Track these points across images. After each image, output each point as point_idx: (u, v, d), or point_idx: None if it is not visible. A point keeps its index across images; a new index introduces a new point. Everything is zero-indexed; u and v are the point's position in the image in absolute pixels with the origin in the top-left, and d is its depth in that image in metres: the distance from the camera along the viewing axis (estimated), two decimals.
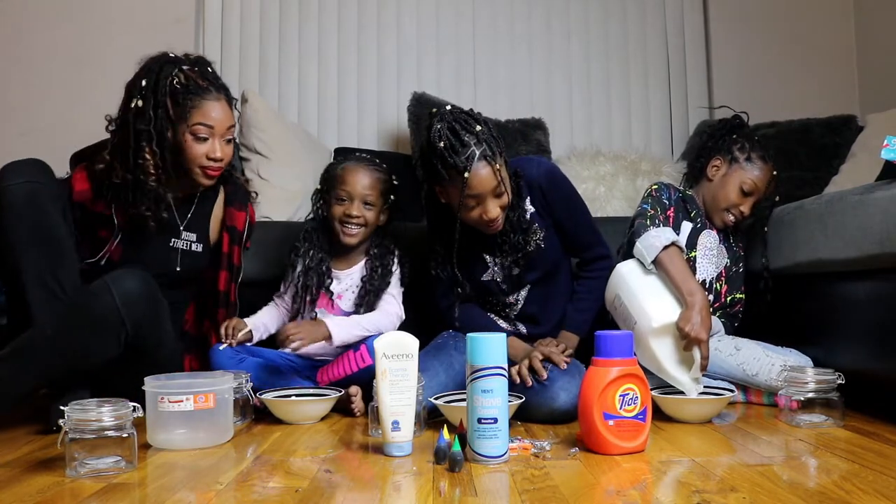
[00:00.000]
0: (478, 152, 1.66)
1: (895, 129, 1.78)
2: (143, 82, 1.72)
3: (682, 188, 2.08)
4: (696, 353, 1.65)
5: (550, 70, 3.19)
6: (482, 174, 1.66)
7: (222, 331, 1.87)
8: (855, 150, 2.51)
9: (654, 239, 1.78)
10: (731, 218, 1.98)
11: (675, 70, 3.24)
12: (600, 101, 3.21)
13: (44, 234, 1.62)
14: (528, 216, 1.85)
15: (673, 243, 1.77)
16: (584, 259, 1.95)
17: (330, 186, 1.97)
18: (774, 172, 1.98)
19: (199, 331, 1.98)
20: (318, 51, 3.09)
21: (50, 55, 2.83)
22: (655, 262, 1.77)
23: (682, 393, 1.69)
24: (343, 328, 1.86)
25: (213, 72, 1.80)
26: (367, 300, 1.94)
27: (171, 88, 1.72)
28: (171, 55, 1.76)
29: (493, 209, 1.71)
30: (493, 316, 1.95)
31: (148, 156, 1.72)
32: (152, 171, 1.73)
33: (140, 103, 1.71)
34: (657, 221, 1.87)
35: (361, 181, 1.93)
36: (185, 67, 1.75)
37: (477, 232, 1.81)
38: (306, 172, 2.59)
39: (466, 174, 1.65)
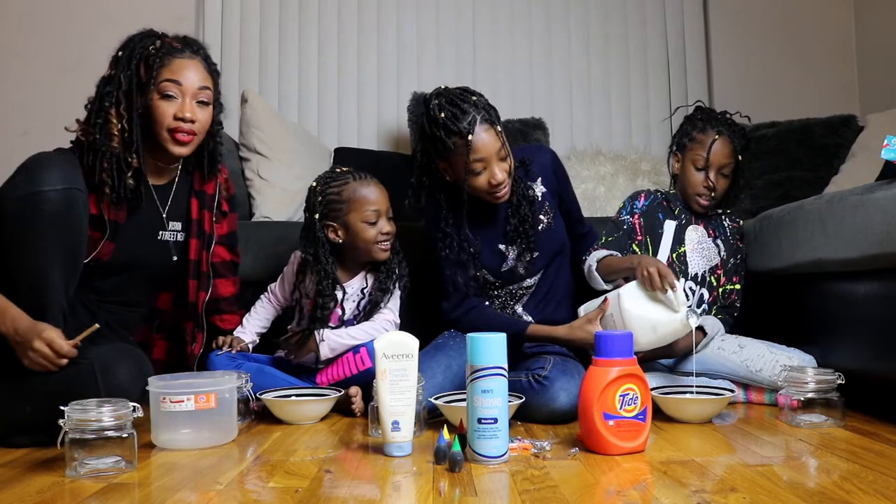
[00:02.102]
0: (479, 117, 1.73)
1: (895, 129, 1.78)
2: (120, 53, 1.67)
3: (666, 190, 2.16)
4: (667, 290, 1.68)
5: (550, 70, 3.20)
6: (486, 137, 1.74)
7: (220, 340, 1.88)
8: (855, 150, 2.51)
9: (589, 272, 1.92)
10: (702, 198, 2.02)
11: (675, 70, 3.24)
12: (600, 101, 3.21)
13: (73, 248, 1.53)
14: (539, 196, 1.92)
15: (598, 262, 1.91)
16: (577, 234, 2.07)
17: (347, 210, 1.88)
18: (716, 136, 1.99)
19: (176, 320, 1.89)
20: (318, 51, 3.09)
21: (50, 54, 2.83)
22: (605, 280, 1.89)
23: (681, 393, 1.70)
24: (333, 342, 1.85)
25: (196, 41, 1.74)
26: (367, 310, 1.94)
27: (144, 53, 1.66)
28: (154, 30, 1.70)
29: (500, 173, 1.76)
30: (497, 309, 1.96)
31: (113, 118, 1.63)
32: (115, 133, 1.62)
33: (112, 71, 1.66)
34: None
35: (384, 195, 1.91)
36: (166, 38, 1.69)
37: (488, 223, 1.88)
38: (306, 172, 2.59)
39: (470, 137, 1.71)
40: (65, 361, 1.46)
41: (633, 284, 1.75)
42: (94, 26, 2.86)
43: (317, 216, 1.89)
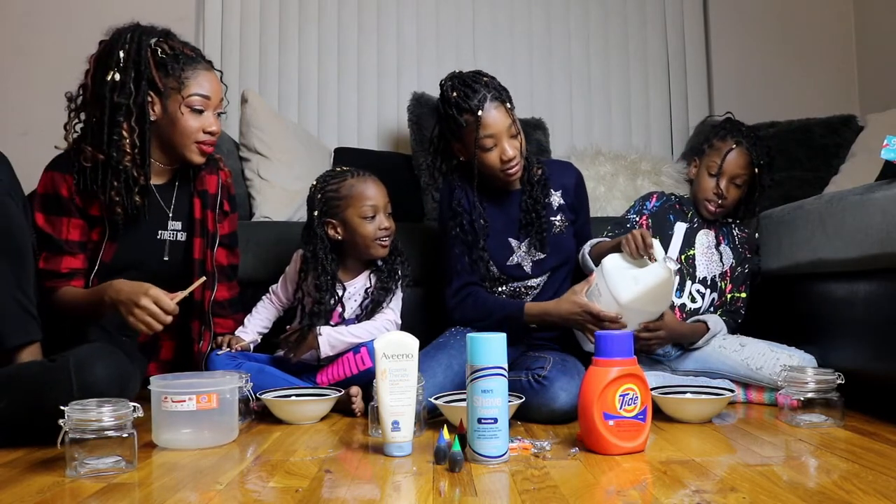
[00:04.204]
0: (489, 95, 1.83)
1: (895, 129, 1.79)
2: (121, 53, 1.60)
3: (680, 193, 2.19)
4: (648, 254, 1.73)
5: (550, 70, 3.19)
6: (495, 113, 1.83)
7: (219, 340, 1.87)
8: (855, 150, 2.51)
9: (582, 258, 1.97)
10: (710, 205, 2.05)
11: (675, 70, 3.24)
12: (600, 101, 3.21)
13: (12, 243, 1.45)
14: (554, 205, 1.96)
15: (592, 246, 1.96)
16: None
17: (345, 206, 1.89)
18: (734, 146, 2.01)
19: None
20: (318, 51, 3.09)
21: (50, 54, 2.83)
22: (596, 263, 1.89)
23: (682, 393, 1.70)
24: (333, 339, 1.84)
25: (196, 47, 1.72)
26: (369, 309, 1.93)
27: (156, 59, 1.61)
28: (142, 24, 1.66)
29: (511, 149, 1.83)
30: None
31: (125, 133, 1.59)
32: (128, 150, 1.59)
33: (118, 76, 1.59)
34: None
35: (382, 191, 1.93)
36: (162, 37, 1.66)
37: (501, 215, 1.90)
38: (306, 172, 2.59)
39: (480, 112, 1.80)
40: (170, 319, 1.50)
41: (616, 254, 1.79)
42: (95, 26, 2.85)
43: (316, 213, 1.91)
